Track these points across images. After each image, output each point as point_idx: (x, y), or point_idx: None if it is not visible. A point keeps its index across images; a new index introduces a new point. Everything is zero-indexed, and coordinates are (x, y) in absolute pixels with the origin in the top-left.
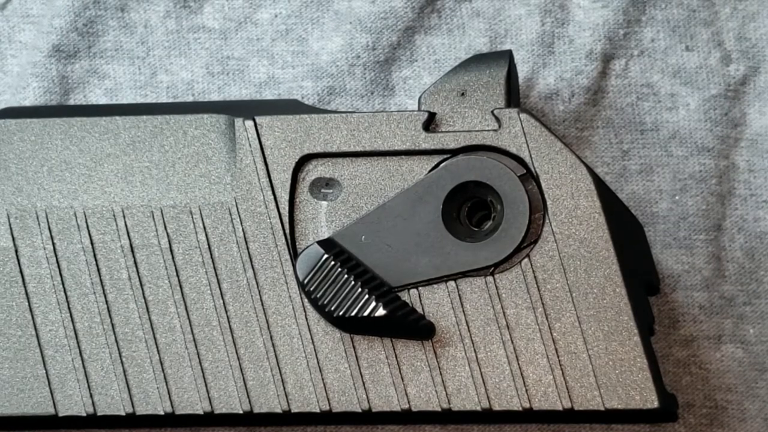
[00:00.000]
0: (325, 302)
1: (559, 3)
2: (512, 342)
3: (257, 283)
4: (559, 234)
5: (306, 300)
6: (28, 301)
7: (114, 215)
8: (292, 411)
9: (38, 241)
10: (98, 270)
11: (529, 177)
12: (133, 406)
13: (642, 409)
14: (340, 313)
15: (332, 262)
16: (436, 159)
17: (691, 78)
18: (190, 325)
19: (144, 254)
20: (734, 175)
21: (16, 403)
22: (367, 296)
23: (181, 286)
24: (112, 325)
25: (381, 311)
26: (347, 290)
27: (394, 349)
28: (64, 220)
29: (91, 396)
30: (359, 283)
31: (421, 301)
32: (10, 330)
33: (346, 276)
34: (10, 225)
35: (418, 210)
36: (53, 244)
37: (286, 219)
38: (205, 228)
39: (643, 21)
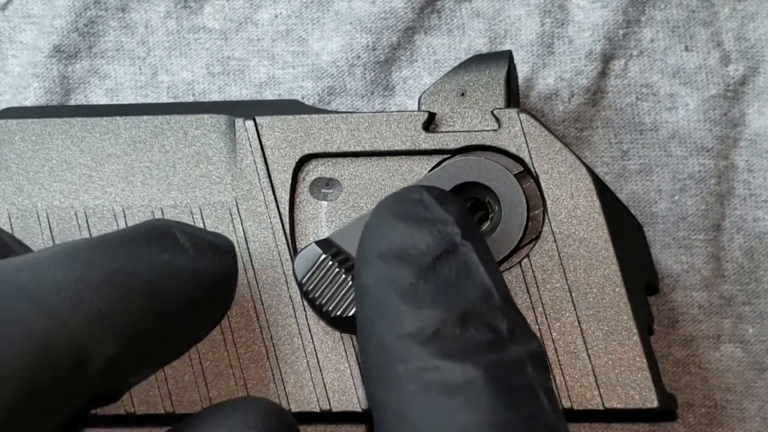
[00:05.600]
0: (323, 302)
1: (559, 3)
2: None
3: (257, 283)
4: (558, 234)
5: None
6: None
7: (115, 215)
8: (292, 410)
9: (39, 241)
10: None
11: (526, 174)
12: (133, 406)
13: (641, 408)
14: (338, 313)
15: (330, 262)
16: (436, 159)
17: (691, 78)
18: None
19: None
20: (733, 175)
21: None
22: None
23: None
24: None
25: None
26: (345, 290)
27: None
28: (65, 219)
29: None
30: None
31: None
32: None
33: (344, 276)
34: (11, 224)
35: None
36: (54, 243)
37: (286, 219)
38: (205, 228)
39: (643, 21)
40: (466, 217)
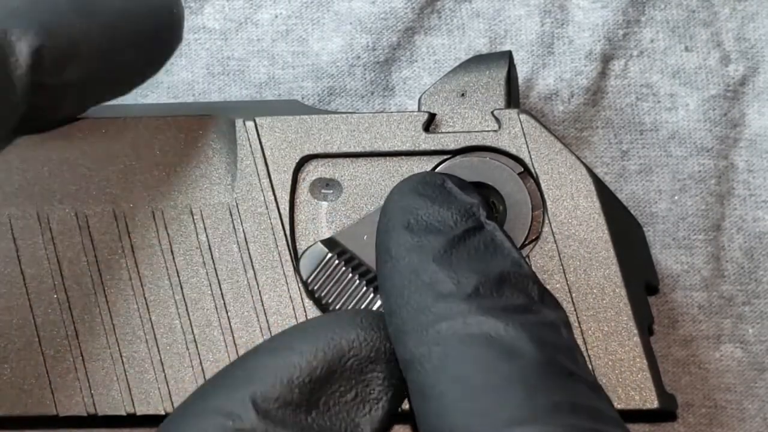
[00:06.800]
0: (329, 300)
1: (559, 3)
2: None
3: (258, 284)
4: (558, 234)
5: (307, 300)
6: (30, 302)
7: (115, 216)
8: None
9: (40, 242)
10: (99, 270)
11: (527, 175)
12: (133, 406)
13: (641, 409)
14: None
15: (336, 261)
16: (436, 159)
17: (691, 78)
18: (191, 326)
19: (145, 254)
20: (733, 175)
21: (17, 403)
22: (372, 294)
23: (181, 287)
24: (113, 326)
25: None
26: (352, 288)
27: None
28: (65, 220)
29: (91, 396)
30: (364, 282)
31: None
32: (12, 330)
33: (350, 275)
34: (11, 226)
35: None
36: (54, 244)
37: (286, 219)
38: (205, 228)
39: (643, 21)
40: (484, 205)
